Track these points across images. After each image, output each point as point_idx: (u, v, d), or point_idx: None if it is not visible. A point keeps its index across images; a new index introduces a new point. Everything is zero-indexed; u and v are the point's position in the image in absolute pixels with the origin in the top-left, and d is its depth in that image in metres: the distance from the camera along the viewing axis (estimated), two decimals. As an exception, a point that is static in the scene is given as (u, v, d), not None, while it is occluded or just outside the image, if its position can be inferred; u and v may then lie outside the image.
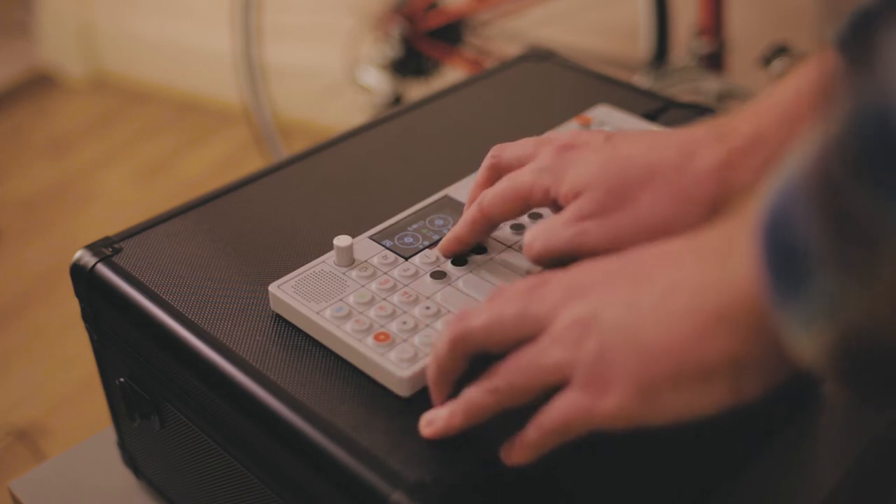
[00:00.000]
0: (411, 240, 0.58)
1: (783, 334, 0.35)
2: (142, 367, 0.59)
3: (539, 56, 0.84)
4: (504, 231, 0.58)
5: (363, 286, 0.54)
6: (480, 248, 0.57)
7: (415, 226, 0.60)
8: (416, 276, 0.55)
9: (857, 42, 0.31)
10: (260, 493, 0.53)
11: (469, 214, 0.55)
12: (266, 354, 0.52)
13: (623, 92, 0.77)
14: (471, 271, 0.55)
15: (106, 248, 0.61)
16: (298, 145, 1.61)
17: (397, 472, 0.45)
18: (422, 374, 0.49)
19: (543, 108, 0.77)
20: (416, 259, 0.56)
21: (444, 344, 0.45)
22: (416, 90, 1.81)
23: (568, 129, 0.68)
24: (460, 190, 0.63)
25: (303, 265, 0.56)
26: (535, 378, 0.42)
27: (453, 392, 0.46)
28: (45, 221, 2.15)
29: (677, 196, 0.49)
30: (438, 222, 0.60)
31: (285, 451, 0.49)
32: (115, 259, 0.60)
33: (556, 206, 0.52)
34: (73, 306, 0.63)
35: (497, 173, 0.55)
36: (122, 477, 0.69)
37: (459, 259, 0.56)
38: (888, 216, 0.29)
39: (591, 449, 0.45)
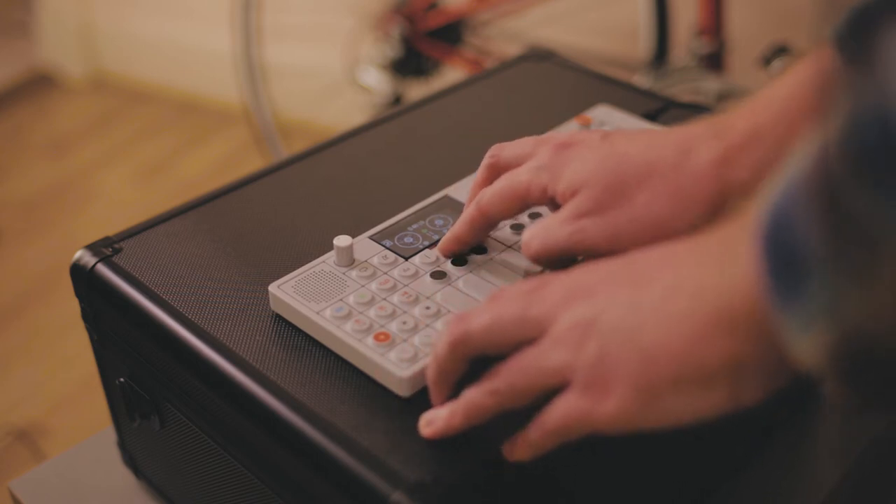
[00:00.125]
0: (411, 240, 0.58)
1: (783, 336, 0.35)
2: (142, 367, 0.59)
3: (539, 56, 0.84)
4: (504, 231, 0.58)
5: (363, 286, 0.54)
6: (480, 248, 0.57)
7: (415, 226, 0.60)
8: (416, 276, 0.55)
9: (855, 40, 0.31)
10: (260, 493, 0.53)
11: (468, 214, 0.55)
12: (266, 354, 0.52)
13: (623, 92, 0.77)
14: (471, 271, 0.55)
15: (106, 248, 0.61)
16: (298, 145, 1.61)
17: (397, 472, 0.45)
18: (422, 374, 0.49)
19: (543, 108, 0.77)
20: (416, 259, 0.56)
21: (443, 345, 0.45)
22: (416, 90, 1.81)
23: (568, 129, 0.68)
24: (460, 190, 0.63)
25: (303, 265, 0.56)
26: (536, 380, 0.42)
27: (453, 392, 0.46)
28: (45, 221, 2.15)
29: (675, 193, 0.49)
30: (438, 222, 0.60)
31: (285, 451, 0.49)
32: (115, 259, 0.60)
33: (554, 205, 0.52)
34: (73, 306, 0.63)
35: (496, 172, 0.55)
36: (122, 477, 0.69)
37: (459, 259, 0.56)
38: (888, 217, 0.29)
39: (591, 449, 0.45)
